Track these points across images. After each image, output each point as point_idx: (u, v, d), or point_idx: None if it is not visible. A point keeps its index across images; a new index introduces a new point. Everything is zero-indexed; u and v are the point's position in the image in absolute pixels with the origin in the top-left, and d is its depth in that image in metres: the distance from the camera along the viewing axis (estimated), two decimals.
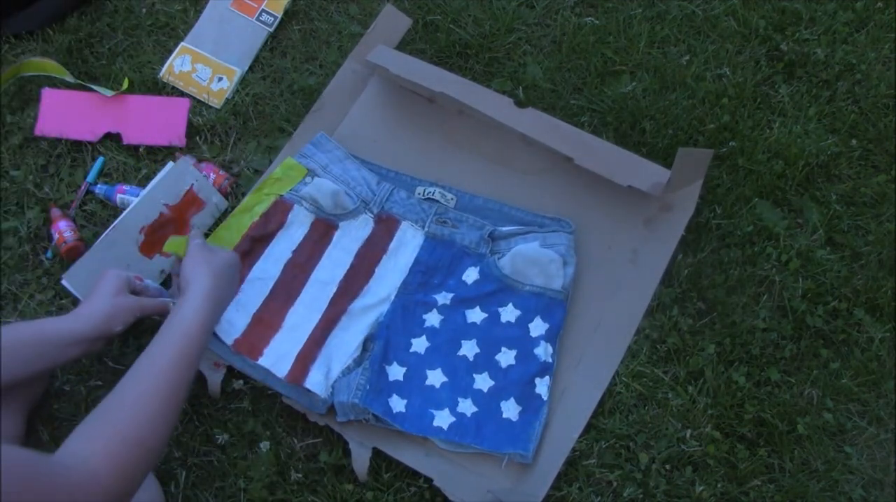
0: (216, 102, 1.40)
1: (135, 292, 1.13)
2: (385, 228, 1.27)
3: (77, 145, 1.35)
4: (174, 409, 0.91)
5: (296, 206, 1.27)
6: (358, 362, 1.17)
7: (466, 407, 1.16)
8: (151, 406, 0.88)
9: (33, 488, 0.74)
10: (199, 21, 1.47)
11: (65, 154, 1.34)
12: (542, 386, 1.18)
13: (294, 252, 1.25)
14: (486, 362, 1.19)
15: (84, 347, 1.04)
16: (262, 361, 1.17)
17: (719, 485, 1.14)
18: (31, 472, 0.76)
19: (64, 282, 1.19)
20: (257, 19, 1.46)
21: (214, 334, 1.18)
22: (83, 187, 1.31)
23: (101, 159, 1.34)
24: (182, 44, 1.45)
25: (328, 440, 1.16)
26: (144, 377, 0.90)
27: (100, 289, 1.08)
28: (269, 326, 1.19)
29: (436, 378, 1.18)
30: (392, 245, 1.26)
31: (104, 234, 1.24)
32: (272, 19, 1.46)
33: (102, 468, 0.81)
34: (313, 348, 1.18)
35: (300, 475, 1.13)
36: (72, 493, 0.78)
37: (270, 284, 1.22)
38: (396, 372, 1.18)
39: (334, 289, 1.23)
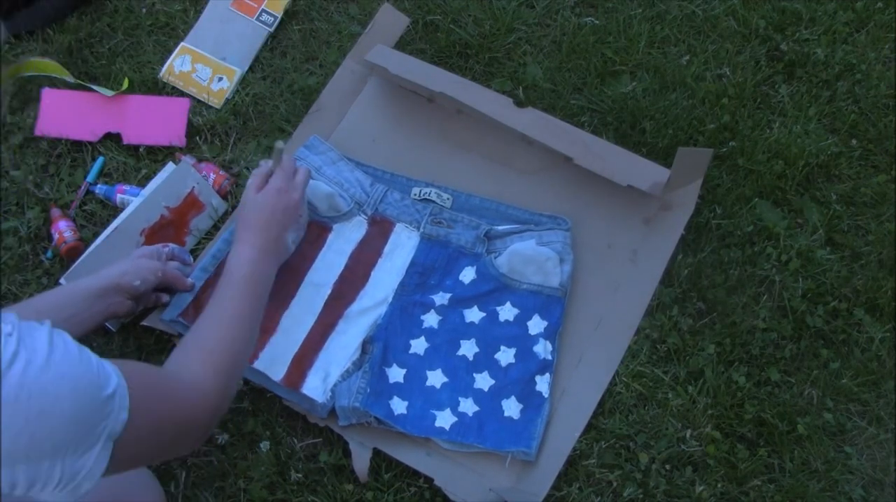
0: (216, 102, 1.40)
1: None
2: (379, 230, 1.27)
3: (77, 145, 1.35)
4: (252, 326, 1.05)
5: None
6: (357, 365, 1.17)
7: (468, 406, 1.16)
8: (233, 327, 1.01)
9: (155, 394, 0.84)
10: (199, 21, 1.47)
11: (65, 154, 1.34)
12: (542, 384, 1.18)
13: None
14: (485, 361, 1.19)
15: (107, 300, 1.10)
16: (257, 364, 1.16)
17: (719, 485, 1.14)
18: (152, 380, 0.86)
19: (63, 283, 1.19)
20: (257, 19, 1.46)
21: None
22: (83, 187, 1.31)
23: (101, 159, 1.34)
24: (182, 44, 1.45)
25: (328, 440, 1.16)
26: (221, 309, 1.03)
27: (127, 255, 1.18)
28: (263, 330, 1.18)
29: (436, 378, 1.18)
30: (387, 248, 1.26)
31: (104, 235, 1.24)
32: (272, 19, 1.46)
33: (204, 379, 0.92)
34: (310, 352, 1.18)
35: (300, 475, 1.13)
36: (187, 398, 0.89)
37: None
38: (396, 373, 1.18)
39: (328, 292, 1.23)
